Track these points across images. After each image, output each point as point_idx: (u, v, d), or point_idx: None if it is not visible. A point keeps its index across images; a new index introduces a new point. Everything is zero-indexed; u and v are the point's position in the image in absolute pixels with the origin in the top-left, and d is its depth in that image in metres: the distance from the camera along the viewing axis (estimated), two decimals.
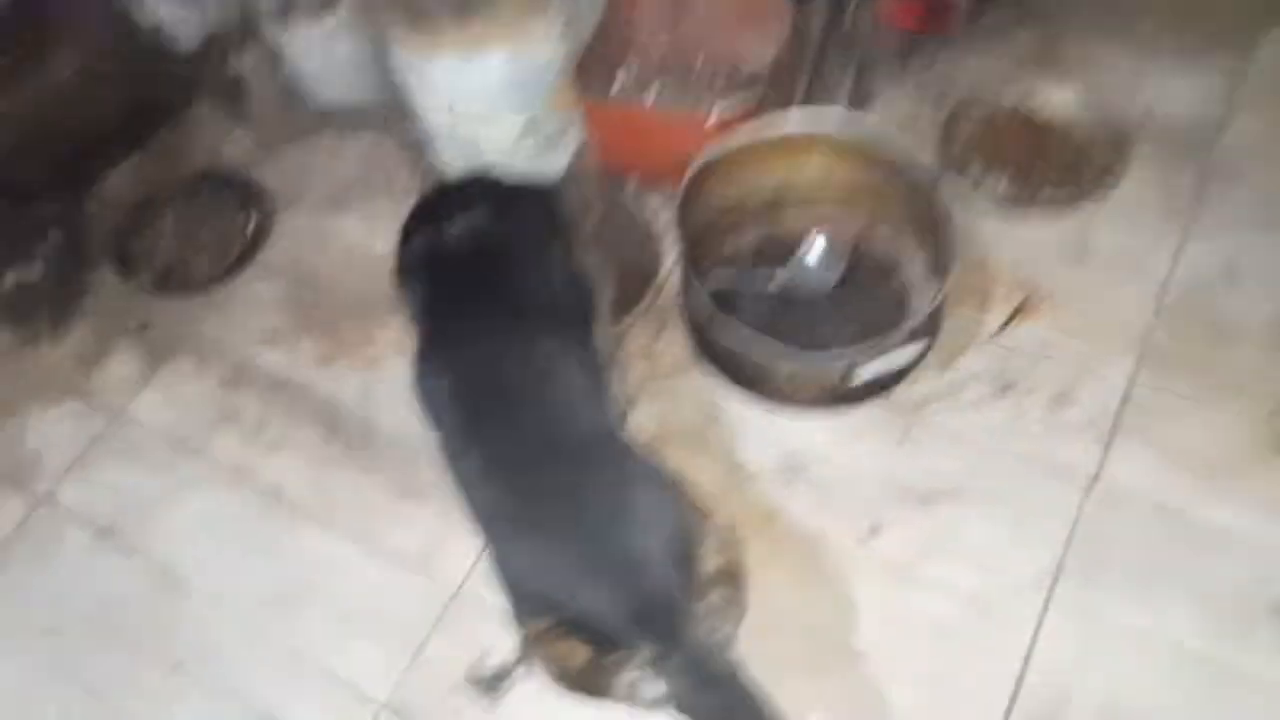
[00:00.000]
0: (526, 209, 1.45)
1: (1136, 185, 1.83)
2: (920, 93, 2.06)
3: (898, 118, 2.01)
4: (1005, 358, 1.69)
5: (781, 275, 1.79)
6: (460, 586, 1.59)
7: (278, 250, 2.09)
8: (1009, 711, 1.37)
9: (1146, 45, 2.04)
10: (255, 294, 2.02)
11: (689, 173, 1.69)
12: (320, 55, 2.17)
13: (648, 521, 1.11)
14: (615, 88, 2.06)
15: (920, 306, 1.64)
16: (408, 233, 1.48)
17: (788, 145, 1.76)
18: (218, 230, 2.12)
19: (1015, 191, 1.84)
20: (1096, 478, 1.55)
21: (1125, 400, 1.61)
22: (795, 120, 1.75)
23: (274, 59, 2.24)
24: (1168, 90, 1.96)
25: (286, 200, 2.16)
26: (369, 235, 2.06)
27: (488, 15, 1.64)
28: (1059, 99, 1.92)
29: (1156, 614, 1.42)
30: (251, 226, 2.11)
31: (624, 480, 1.17)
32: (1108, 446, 1.58)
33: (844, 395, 1.62)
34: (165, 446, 1.82)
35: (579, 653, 1.09)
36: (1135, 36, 2.06)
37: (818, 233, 1.79)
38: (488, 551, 1.26)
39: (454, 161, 1.93)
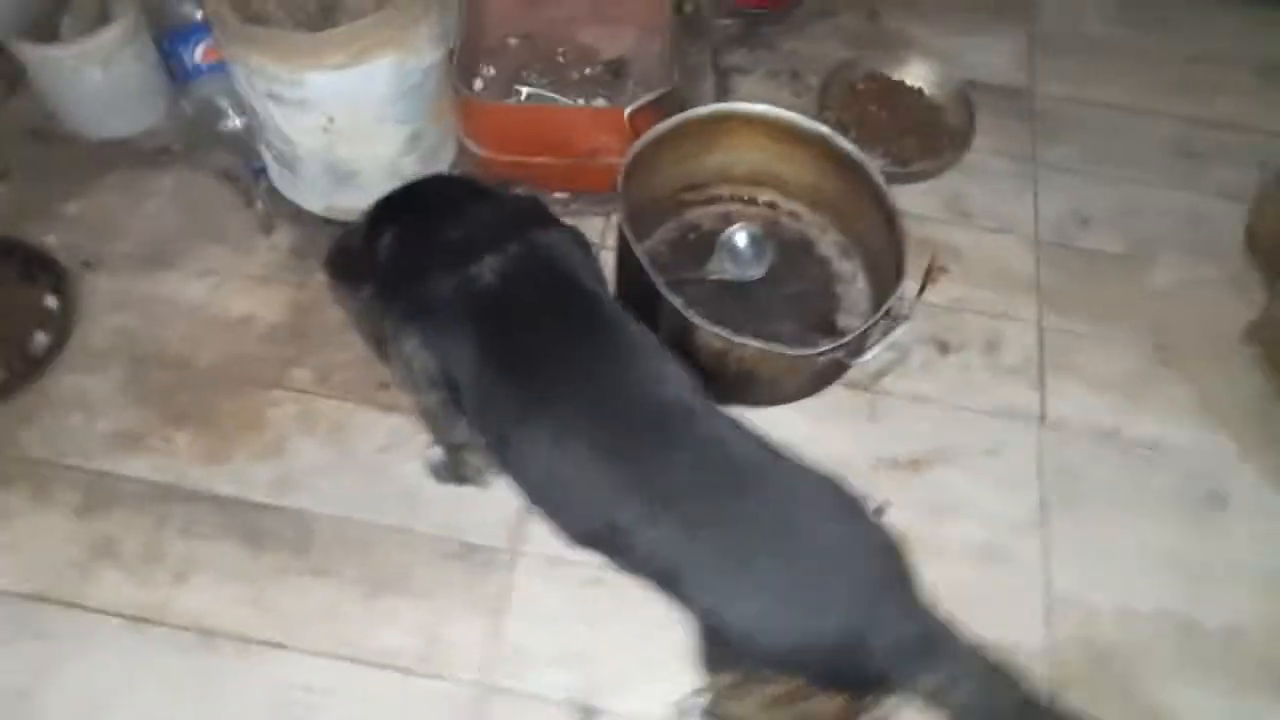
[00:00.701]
0: (524, 212, 1.27)
1: (985, 147, 1.99)
2: (772, 73, 2.11)
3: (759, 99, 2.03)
4: (933, 318, 1.78)
5: (714, 265, 1.75)
6: (485, 678, 1.40)
7: (96, 328, 1.67)
8: (1050, 640, 1.47)
9: (949, 19, 2.23)
10: (82, 390, 1.61)
11: (625, 165, 1.58)
12: (94, 78, 1.76)
13: (857, 538, 1.02)
14: (478, 87, 1.88)
15: (871, 292, 1.70)
16: (401, 272, 1.22)
17: (705, 131, 1.72)
18: (2, 317, 1.65)
19: (891, 162, 1.93)
20: (1043, 416, 1.70)
21: (1041, 341, 1.78)
22: (711, 106, 1.71)
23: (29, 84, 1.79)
24: (981, 59, 2.16)
25: (86, 263, 1.74)
26: (212, 292, 1.73)
27: (377, 18, 1.43)
28: (912, 72, 2.04)
29: (1126, 525, 1.59)
30: (51, 303, 1.67)
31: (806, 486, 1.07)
32: (1042, 386, 1.73)
33: (819, 383, 1.63)
34: (17, 615, 1.40)
35: (827, 706, 0.98)
36: (940, 11, 2.25)
37: (741, 225, 1.77)
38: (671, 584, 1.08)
39: (316, 190, 1.67)
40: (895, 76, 2.05)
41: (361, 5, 1.64)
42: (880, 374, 1.72)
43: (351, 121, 1.57)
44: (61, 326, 1.65)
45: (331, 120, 1.56)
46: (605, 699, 1.40)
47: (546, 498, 1.13)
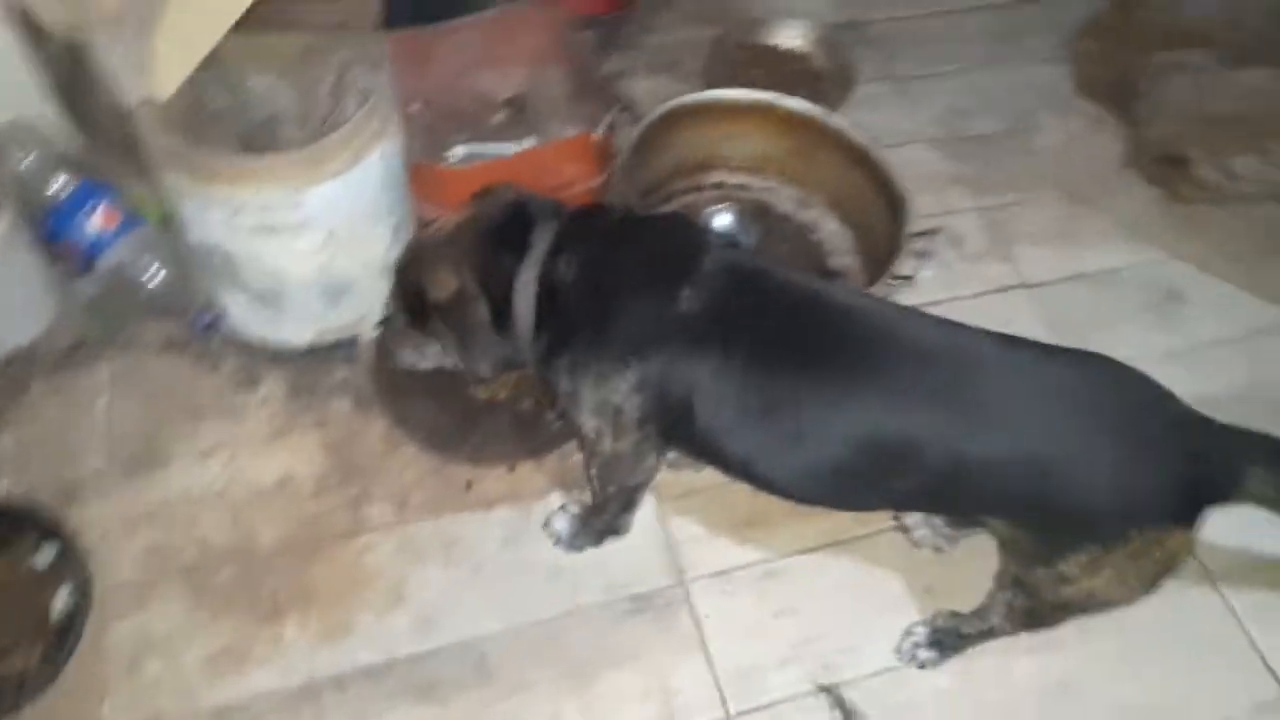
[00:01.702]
0: (684, 227, 1.24)
1: (866, 86, 2.16)
2: (651, 69, 2.17)
3: (651, 92, 2.08)
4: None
5: None
6: (732, 707, 1.37)
7: (119, 560, 1.43)
8: None
9: None
10: (145, 631, 1.37)
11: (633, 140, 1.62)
12: None
13: None
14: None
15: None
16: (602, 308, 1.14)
17: (656, 136, 1.75)
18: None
19: None
20: (1033, 282, 1.90)
21: (989, 221, 1.99)
22: (659, 110, 1.74)
23: None
24: (810, 6, 2.34)
25: (64, 494, 1.47)
26: (228, 468, 1.56)
27: (368, 112, 1.36)
28: (775, 33, 2.18)
29: (1120, 338, 1.81)
30: (47, 556, 1.40)
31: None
32: (1009, 259, 1.94)
33: None
34: None
35: (1168, 550, 1.06)
36: None
37: (714, 210, 1.83)
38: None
39: (306, 318, 1.53)
40: (762, 41, 2.18)
41: (301, 108, 1.51)
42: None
43: (349, 229, 1.45)
44: (75, 577, 1.39)
45: (331, 234, 1.43)
46: (841, 672, 1.42)
47: (830, 461, 1.11)
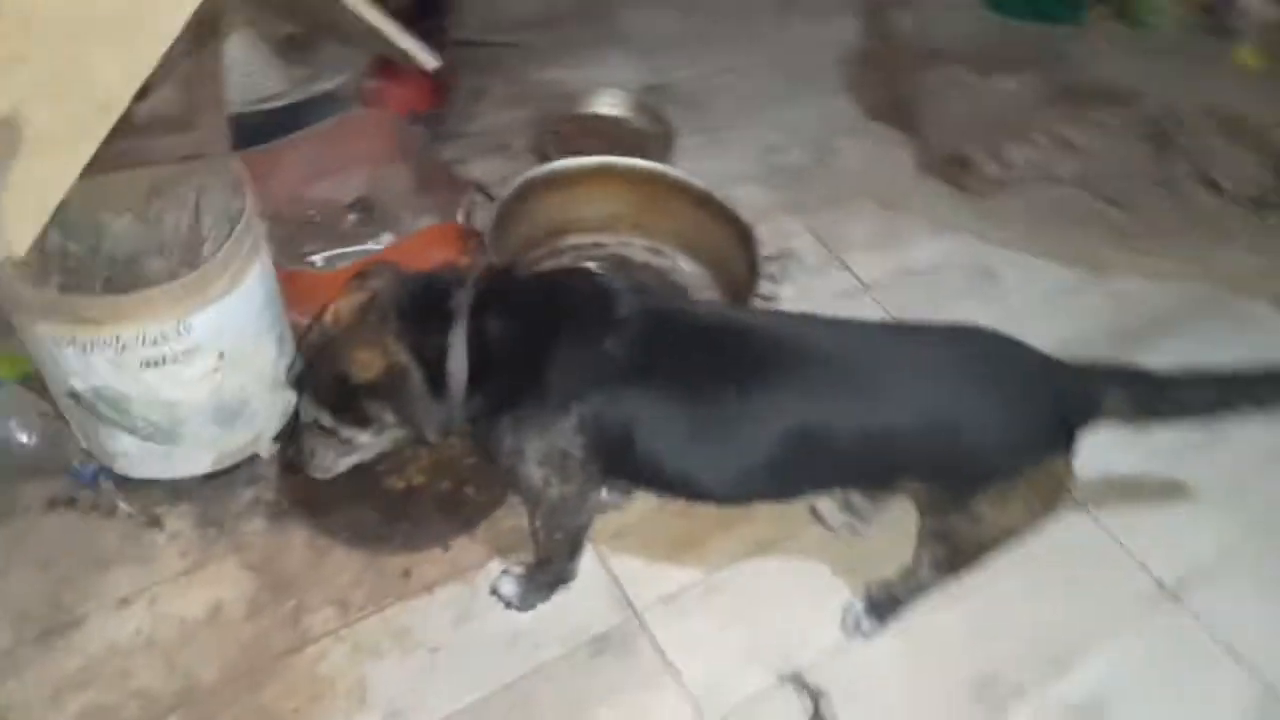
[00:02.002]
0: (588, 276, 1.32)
1: (684, 139, 2.34)
2: (484, 153, 2.27)
3: (488, 174, 2.18)
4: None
5: None
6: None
7: None
8: None
9: (567, 57, 2.58)
10: None
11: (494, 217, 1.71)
12: None
13: None
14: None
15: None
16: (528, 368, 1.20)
17: (512, 210, 1.86)
18: None
19: None
20: (865, 285, 2.12)
21: (821, 238, 2.20)
22: (516, 182, 1.85)
23: None
24: (617, 75, 2.53)
25: None
26: (151, 612, 1.48)
27: (242, 230, 1.39)
28: (594, 102, 2.34)
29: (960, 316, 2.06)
30: None
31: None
32: (847, 267, 2.15)
33: None
34: None
35: (1053, 476, 1.22)
36: (557, 53, 2.58)
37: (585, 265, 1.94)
38: None
39: (201, 446, 1.51)
40: (583, 112, 2.33)
41: (161, 241, 1.50)
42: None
43: (238, 348, 1.45)
44: None
45: (221, 355, 1.43)
46: (798, 660, 1.51)
47: (762, 459, 1.21)
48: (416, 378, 1.16)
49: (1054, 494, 1.25)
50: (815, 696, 1.48)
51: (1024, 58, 2.62)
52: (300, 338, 1.28)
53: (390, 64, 2.09)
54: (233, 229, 1.53)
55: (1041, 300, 2.14)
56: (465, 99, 2.38)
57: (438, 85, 2.27)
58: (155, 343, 1.35)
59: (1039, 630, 1.59)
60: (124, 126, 1.34)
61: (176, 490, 1.59)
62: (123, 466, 1.56)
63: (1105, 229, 2.30)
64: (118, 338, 1.32)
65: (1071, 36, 2.82)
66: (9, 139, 1.29)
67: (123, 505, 1.57)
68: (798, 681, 1.49)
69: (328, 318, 1.23)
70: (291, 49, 1.97)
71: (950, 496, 1.26)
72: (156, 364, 1.37)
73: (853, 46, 2.78)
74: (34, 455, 1.57)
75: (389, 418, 1.20)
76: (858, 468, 1.27)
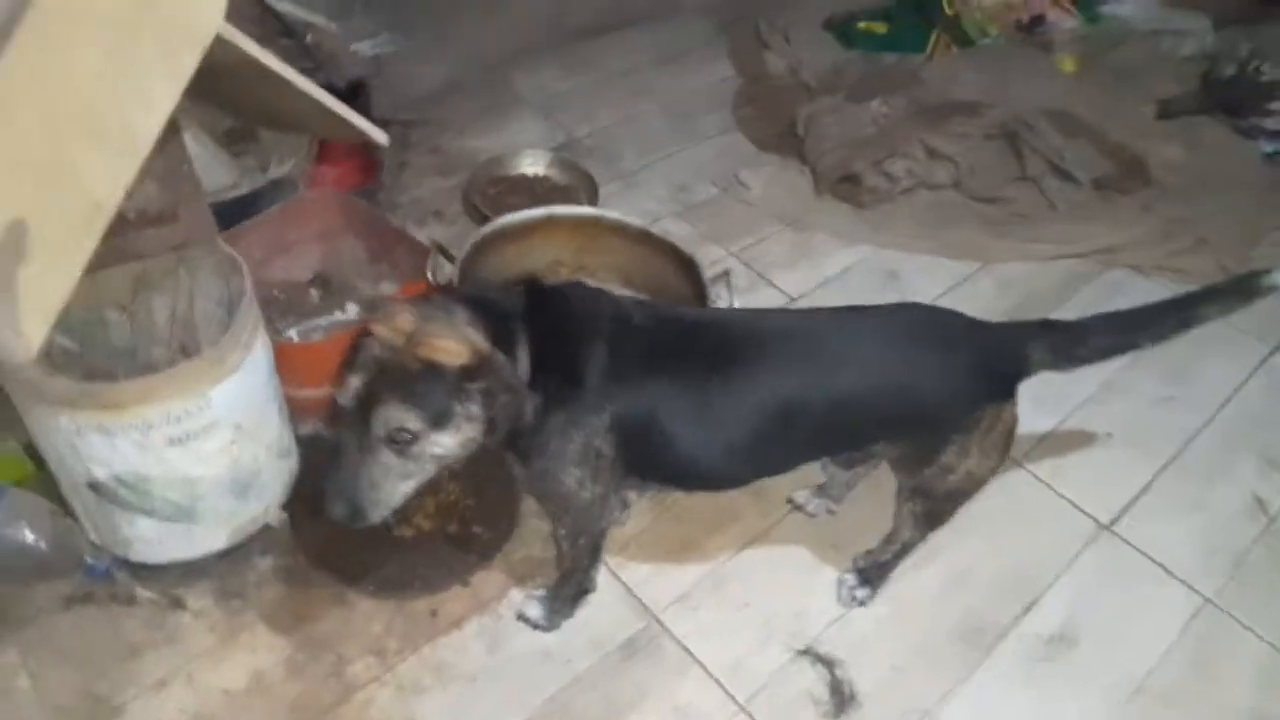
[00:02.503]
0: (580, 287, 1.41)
1: (604, 187, 2.52)
2: (420, 221, 2.38)
3: (430, 239, 2.29)
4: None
5: None
6: (745, 705, 1.56)
7: None
8: None
9: (476, 125, 2.72)
10: None
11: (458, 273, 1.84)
12: None
13: None
14: None
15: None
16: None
17: (499, 243, 2.01)
18: None
19: None
20: (792, 299, 2.32)
21: (745, 261, 2.40)
22: (480, 234, 1.98)
23: None
24: (519, 138, 2.69)
25: None
26: (189, 689, 1.51)
27: (249, 302, 1.49)
28: (516, 163, 2.49)
29: None
30: None
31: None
32: (775, 283, 2.36)
33: None
34: None
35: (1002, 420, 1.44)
36: (469, 120, 2.73)
37: None
38: None
39: (219, 522, 1.56)
40: (508, 173, 2.48)
41: (156, 327, 1.56)
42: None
43: (251, 418, 1.51)
44: None
45: (238, 427, 1.48)
46: (806, 634, 1.67)
47: (751, 434, 1.36)
48: (504, 359, 1.19)
49: (1005, 440, 1.45)
50: (829, 664, 1.63)
51: (885, 84, 2.92)
52: (345, 363, 1.20)
53: (322, 147, 2.19)
54: (227, 309, 1.61)
55: (941, 292, 2.39)
56: (392, 174, 2.48)
57: (366, 164, 2.37)
58: (179, 420, 1.40)
59: (1005, 577, 1.80)
60: (115, 224, 1.41)
61: (192, 570, 1.62)
62: (140, 553, 1.58)
63: (982, 224, 2.59)
64: (143, 419, 1.37)
65: (920, 63, 3.16)
66: (16, 245, 1.34)
67: (142, 592, 1.59)
68: (811, 653, 1.64)
69: (383, 333, 1.17)
70: (233, 141, 2.04)
71: (919, 454, 1.45)
72: (180, 441, 1.42)
73: (732, 89, 3.04)
74: (45, 556, 1.56)
75: (475, 409, 1.19)
76: (835, 434, 1.44)
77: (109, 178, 1.40)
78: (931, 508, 1.54)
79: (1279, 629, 1.76)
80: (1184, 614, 1.78)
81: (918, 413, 1.40)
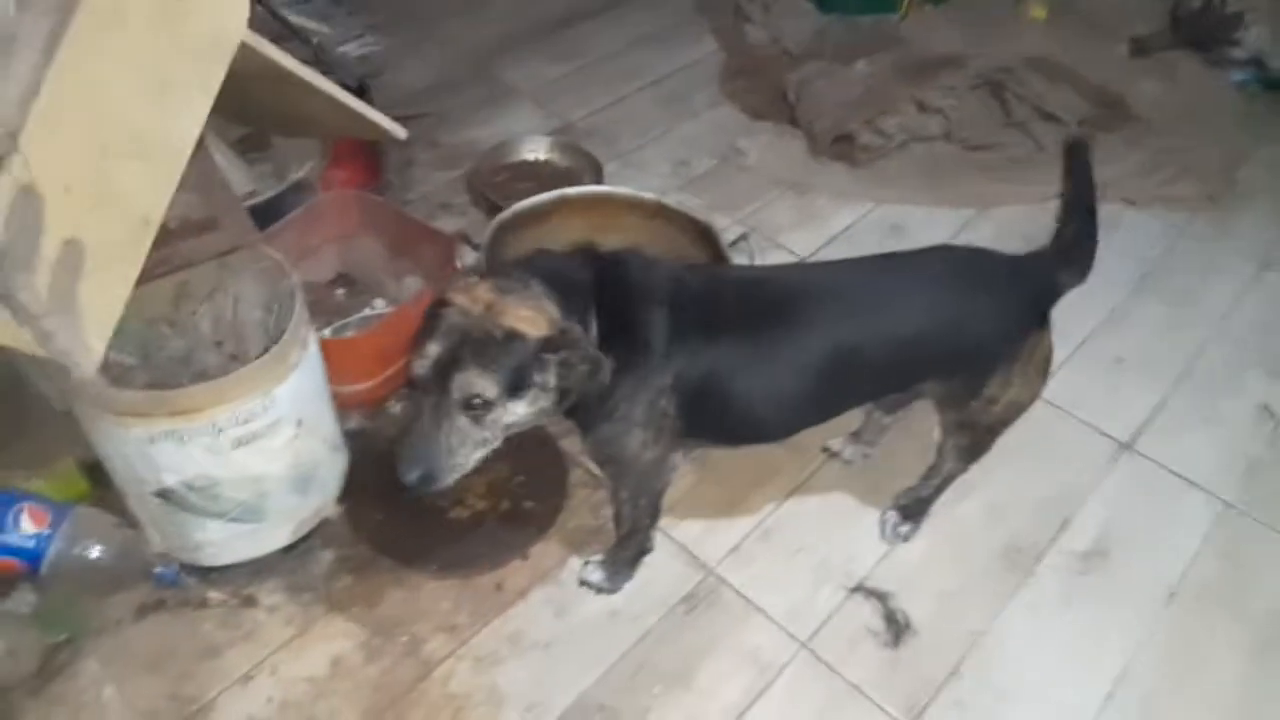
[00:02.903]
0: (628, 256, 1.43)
1: (606, 166, 2.57)
2: (431, 215, 2.41)
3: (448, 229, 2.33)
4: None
5: None
6: (806, 642, 1.63)
7: None
8: None
9: (473, 116, 2.76)
10: None
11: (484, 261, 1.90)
12: None
13: None
14: None
15: None
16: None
17: (517, 228, 2.08)
18: None
19: None
20: (805, 255, 2.38)
21: (753, 226, 2.45)
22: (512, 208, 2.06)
23: None
24: (517, 125, 2.74)
25: None
26: (275, 678, 1.55)
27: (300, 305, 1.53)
28: (519, 149, 2.53)
29: None
30: None
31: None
32: (784, 245, 2.41)
33: None
34: None
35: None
36: (464, 113, 2.76)
37: None
38: None
39: (284, 518, 1.60)
40: (512, 160, 2.52)
41: (211, 335, 1.59)
42: None
43: (310, 413, 1.56)
44: None
45: (300, 423, 1.53)
46: (858, 572, 1.74)
47: (813, 381, 1.41)
48: (580, 330, 1.25)
49: (1044, 365, 1.52)
50: (882, 598, 1.70)
51: (867, 45, 2.98)
52: (422, 331, 1.23)
53: (332, 150, 2.22)
54: (271, 312, 1.65)
55: (945, 240, 2.46)
56: (398, 170, 2.52)
57: (371, 164, 2.41)
58: (247, 420, 1.44)
59: (1037, 502, 1.87)
60: (161, 236, 1.45)
61: (259, 569, 1.66)
62: (208, 556, 1.62)
63: (976, 170, 2.66)
64: (213, 423, 1.41)
65: (897, 22, 3.22)
66: (74, 262, 1.37)
67: (213, 594, 1.63)
68: (864, 589, 1.71)
69: (459, 300, 1.22)
70: (247, 150, 2.07)
71: (965, 389, 1.51)
72: (247, 441, 1.46)
73: (718, 63, 3.08)
74: (113, 569, 1.60)
75: (550, 380, 1.23)
76: (887, 376, 1.50)
77: (154, 191, 1.44)
78: (975, 440, 1.61)
79: None
80: (1207, 520, 1.87)
81: (970, 348, 1.46)
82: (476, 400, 1.20)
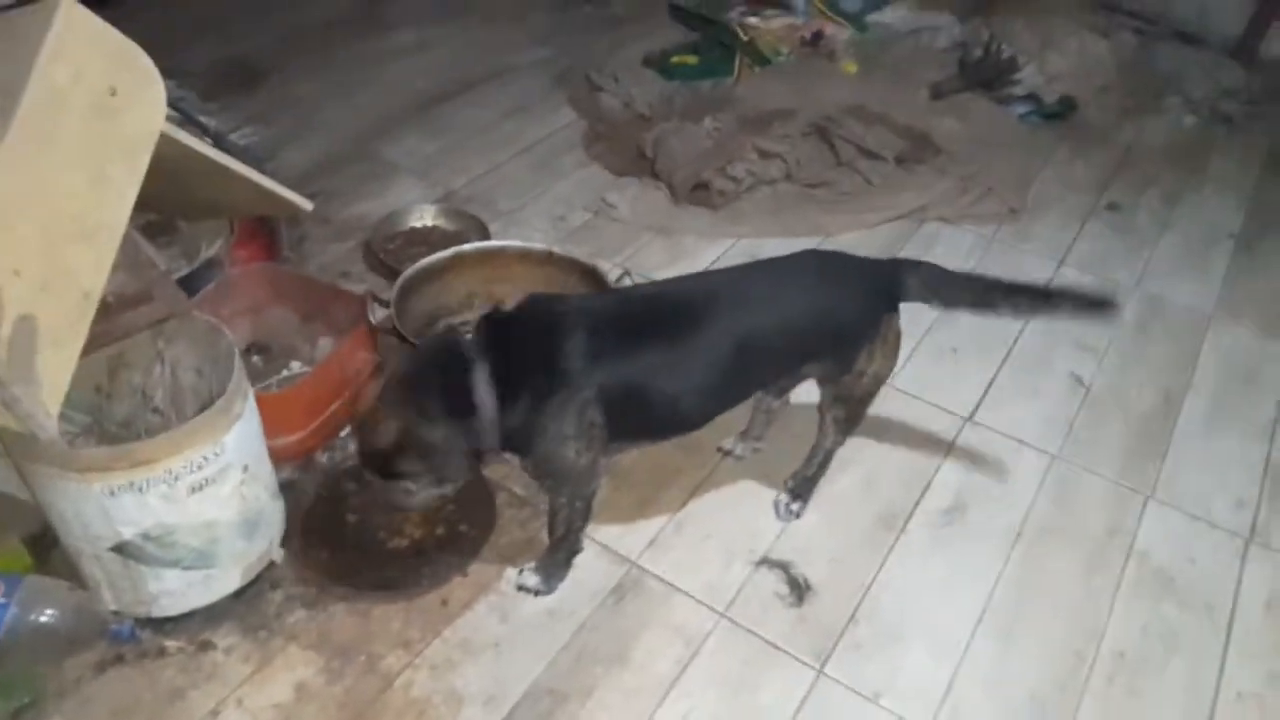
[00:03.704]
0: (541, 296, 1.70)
1: (499, 228, 2.79)
2: (329, 279, 2.57)
3: None
4: None
5: None
6: (724, 614, 1.85)
7: None
8: None
9: (359, 190, 2.95)
10: None
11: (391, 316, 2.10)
12: None
13: None
14: None
15: None
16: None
17: (418, 284, 2.27)
18: None
19: None
20: None
21: (633, 266, 2.71)
22: (412, 268, 2.25)
23: None
24: (396, 198, 2.94)
25: None
26: (241, 711, 1.64)
27: (238, 361, 1.68)
28: (415, 218, 2.74)
29: None
30: None
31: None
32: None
33: None
34: None
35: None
36: (351, 186, 2.95)
37: None
38: None
39: (233, 562, 1.74)
40: (402, 228, 2.72)
41: (148, 397, 1.71)
42: None
43: (254, 459, 1.69)
44: None
45: (246, 468, 1.66)
46: (760, 549, 1.99)
47: (719, 373, 1.66)
48: (427, 429, 1.53)
49: (896, 344, 1.82)
50: (784, 567, 1.95)
51: (710, 105, 3.36)
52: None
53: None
54: (204, 375, 1.78)
55: None
56: (294, 246, 2.66)
57: (269, 242, 2.55)
58: (200, 467, 1.57)
59: (901, 472, 2.18)
60: (101, 310, 1.58)
61: (212, 615, 1.76)
62: (163, 607, 1.71)
63: (816, 205, 3.03)
64: (169, 470, 1.53)
65: (731, 84, 3.62)
66: (28, 338, 1.49)
67: (170, 643, 1.72)
68: (768, 561, 1.96)
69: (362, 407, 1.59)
70: (154, 235, 2.19)
71: (839, 365, 1.79)
72: (200, 487, 1.59)
73: (580, 130, 3.38)
74: (68, 631, 1.67)
75: (419, 468, 1.57)
76: (779, 359, 1.77)
77: (94, 269, 1.59)
78: (849, 412, 1.89)
79: (1109, 465, 2.24)
80: (1040, 471, 2.22)
81: (839, 327, 1.75)
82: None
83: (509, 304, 1.69)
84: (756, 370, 1.75)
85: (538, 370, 1.58)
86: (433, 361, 1.62)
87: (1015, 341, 2.57)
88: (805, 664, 1.79)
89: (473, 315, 2.44)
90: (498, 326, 1.62)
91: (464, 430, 1.56)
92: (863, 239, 2.92)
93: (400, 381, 1.59)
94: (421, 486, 1.60)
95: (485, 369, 1.56)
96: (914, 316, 2.27)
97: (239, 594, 1.79)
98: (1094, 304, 1.82)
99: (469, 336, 1.62)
